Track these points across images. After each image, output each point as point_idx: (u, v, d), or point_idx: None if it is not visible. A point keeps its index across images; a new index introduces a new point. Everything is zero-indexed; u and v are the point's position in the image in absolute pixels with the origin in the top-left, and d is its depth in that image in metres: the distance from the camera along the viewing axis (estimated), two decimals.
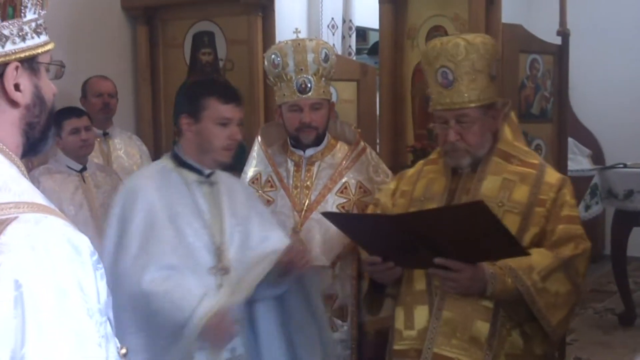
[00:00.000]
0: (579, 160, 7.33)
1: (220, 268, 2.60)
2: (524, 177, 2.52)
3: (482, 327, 2.43)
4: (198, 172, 2.67)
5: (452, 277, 2.35)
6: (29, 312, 1.12)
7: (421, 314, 2.53)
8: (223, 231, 2.66)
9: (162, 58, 5.09)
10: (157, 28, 5.10)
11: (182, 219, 2.59)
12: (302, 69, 2.88)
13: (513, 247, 2.29)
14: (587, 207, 5.58)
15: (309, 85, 2.88)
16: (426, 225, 2.30)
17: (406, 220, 2.33)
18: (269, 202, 3.02)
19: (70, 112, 3.84)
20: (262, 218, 2.77)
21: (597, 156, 7.76)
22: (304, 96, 2.89)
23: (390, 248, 2.46)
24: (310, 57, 2.88)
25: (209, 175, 2.70)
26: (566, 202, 2.50)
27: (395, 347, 2.60)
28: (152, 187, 2.61)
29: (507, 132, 2.64)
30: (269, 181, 3.04)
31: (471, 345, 2.42)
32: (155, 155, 4.63)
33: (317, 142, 3.00)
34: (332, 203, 2.95)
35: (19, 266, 1.13)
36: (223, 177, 2.77)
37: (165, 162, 2.71)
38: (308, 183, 2.99)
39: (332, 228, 2.89)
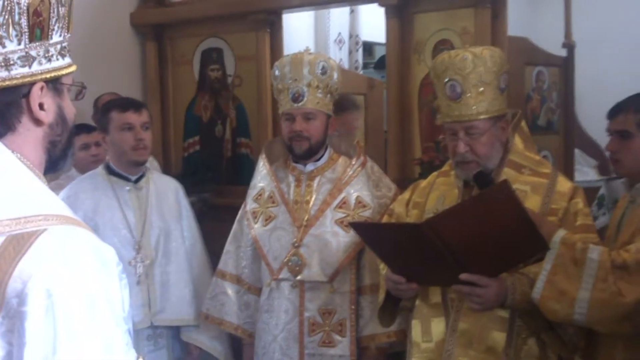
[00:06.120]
0: (585, 172, 7.32)
1: (140, 260, 3.18)
2: (535, 187, 2.54)
3: (499, 337, 2.45)
4: (125, 178, 3.25)
5: (478, 294, 2.34)
6: (60, 320, 1.16)
7: (438, 326, 2.55)
8: (146, 229, 3.22)
9: (171, 75, 5.14)
10: (166, 45, 5.15)
11: (102, 217, 3.16)
12: (296, 79, 2.92)
13: (535, 239, 2.29)
14: (594, 218, 5.59)
15: (302, 94, 2.91)
16: (454, 225, 2.26)
17: (435, 223, 2.29)
18: (270, 218, 3.04)
19: (80, 128, 3.90)
20: (187, 218, 3.40)
21: (604, 167, 7.75)
22: (296, 105, 2.92)
23: (414, 262, 2.45)
24: (305, 68, 2.91)
25: (136, 181, 3.26)
26: (580, 211, 2.51)
27: (414, 359, 2.63)
28: (77, 190, 3.21)
29: (517, 142, 2.65)
30: (271, 197, 3.06)
31: (488, 355, 2.44)
32: (165, 171, 4.67)
33: (310, 153, 3.00)
34: (331, 218, 2.96)
35: (50, 276, 1.17)
36: (156, 179, 3.37)
37: (99, 170, 3.29)
38: (308, 198, 3.01)
39: (331, 243, 2.93)
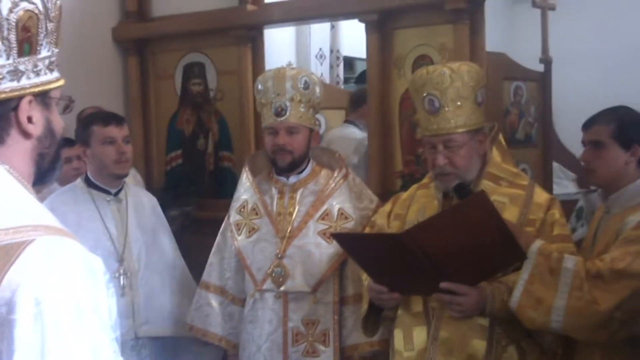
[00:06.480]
0: (564, 185, 7.39)
1: (123, 272, 3.20)
2: (513, 198, 2.59)
3: (479, 345, 2.49)
4: (106, 191, 3.26)
5: (458, 302, 2.39)
6: (48, 328, 1.18)
7: (420, 335, 2.59)
8: (127, 241, 3.25)
9: (153, 89, 5.17)
10: (148, 60, 5.19)
11: (85, 229, 3.09)
12: (279, 94, 2.95)
13: (513, 248, 2.33)
14: (573, 230, 5.65)
15: (285, 109, 2.95)
16: (433, 235, 2.30)
17: (414, 233, 2.34)
18: (254, 230, 3.07)
19: (62, 141, 3.90)
20: (166, 230, 3.47)
21: (583, 180, 7.82)
22: (279, 119, 2.95)
23: (396, 272, 2.49)
24: (288, 83, 2.95)
25: (116, 194, 3.28)
26: (556, 221, 2.56)
27: None
28: (59, 203, 3.14)
29: (495, 155, 2.71)
30: (255, 209, 3.09)
31: None
32: (147, 185, 4.68)
33: (293, 166, 3.04)
34: (314, 229, 2.99)
35: (38, 285, 1.20)
36: (133, 193, 3.39)
37: (78, 183, 3.29)
38: (291, 210, 3.04)
39: (314, 254, 2.96)
